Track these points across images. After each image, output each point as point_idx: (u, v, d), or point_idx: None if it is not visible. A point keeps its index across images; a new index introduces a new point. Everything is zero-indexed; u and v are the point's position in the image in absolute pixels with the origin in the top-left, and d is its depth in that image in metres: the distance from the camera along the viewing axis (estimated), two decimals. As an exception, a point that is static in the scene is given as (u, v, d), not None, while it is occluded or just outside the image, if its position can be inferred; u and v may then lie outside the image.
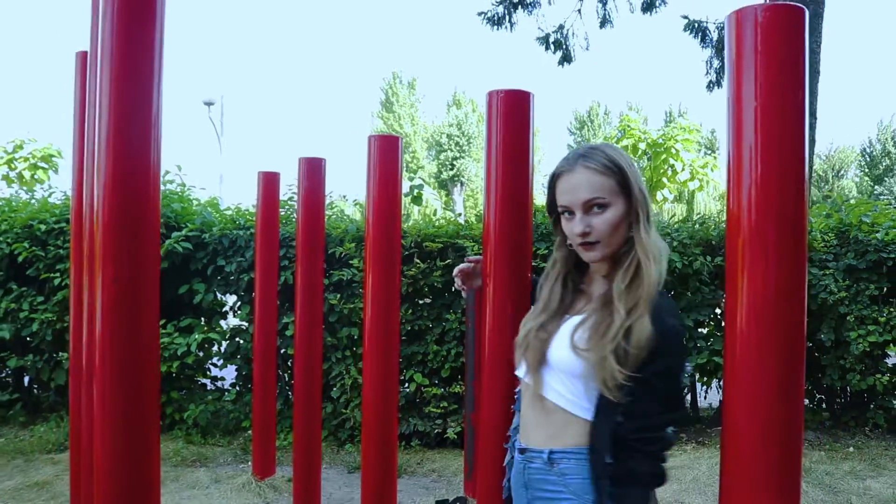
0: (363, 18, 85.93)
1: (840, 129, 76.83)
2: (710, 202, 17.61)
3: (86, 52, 3.50)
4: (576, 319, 1.68)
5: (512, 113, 2.04)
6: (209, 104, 15.34)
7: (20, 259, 6.13)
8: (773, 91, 1.45)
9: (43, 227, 6.18)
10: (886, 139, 43.67)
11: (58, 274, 6.13)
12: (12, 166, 14.38)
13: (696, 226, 6.47)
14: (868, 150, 44.83)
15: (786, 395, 1.50)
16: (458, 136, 46.67)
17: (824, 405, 6.92)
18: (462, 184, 43.11)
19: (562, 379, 1.65)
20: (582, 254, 1.71)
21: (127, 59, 1.84)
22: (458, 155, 45.78)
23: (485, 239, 2.07)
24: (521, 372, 1.77)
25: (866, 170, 44.73)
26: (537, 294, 1.83)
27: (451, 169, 44.87)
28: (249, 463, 5.48)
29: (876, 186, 42.05)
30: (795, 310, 1.49)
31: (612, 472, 1.54)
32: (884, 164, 43.09)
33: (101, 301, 1.84)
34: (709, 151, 40.81)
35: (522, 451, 1.73)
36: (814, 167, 46.06)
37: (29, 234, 6.23)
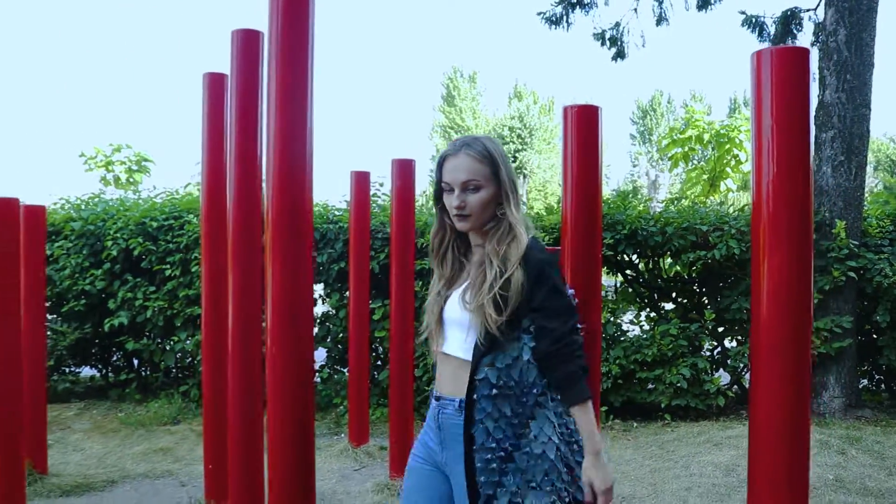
0: (422, 14, 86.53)
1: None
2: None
3: (213, 74, 4.12)
4: (465, 284, 2.00)
5: (583, 127, 2.54)
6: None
7: (135, 253, 6.86)
8: (783, 112, 1.92)
9: (154, 224, 6.90)
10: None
11: (168, 266, 6.84)
12: (109, 169, 15.46)
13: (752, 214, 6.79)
14: (945, 134, 43.19)
15: (795, 365, 1.97)
16: (520, 129, 46.86)
17: (883, 385, 7.18)
18: (525, 176, 43.28)
19: (455, 334, 1.98)
20: (456, 223, 2.00)
21: (287, 85, 2.37)
22: (520, 147, 45.94)
23: (563, 231, 2.57)
24: (425, 335, 2.10)
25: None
26: (433, 254, 2.12)
27: (514, 161, 45.09)
28: (342, 434, 6.08)
29: (953, 171, 40.54)
30: (804, 280, 1.96)
31: (555, 383, 1.88)
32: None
33: (272, 290, 2.36)
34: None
35: (437, 398, 2.03)
36: (886, 152, 44.80)
37: (142, 231, 6.96)
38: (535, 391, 1.87)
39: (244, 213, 3.31)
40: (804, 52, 1.95)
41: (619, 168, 73.58)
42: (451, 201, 1.99)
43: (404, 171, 4.62)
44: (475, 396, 1.88)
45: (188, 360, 7.44)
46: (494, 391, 1.86)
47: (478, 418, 1.87)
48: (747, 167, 12.75)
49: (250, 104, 3.30)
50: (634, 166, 54.50)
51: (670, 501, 4.33)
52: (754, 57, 1.99)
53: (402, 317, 4.77)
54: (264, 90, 2.63)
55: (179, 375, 7.48)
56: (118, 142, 16.22)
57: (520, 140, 46.35)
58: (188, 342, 6.89)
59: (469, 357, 1.93)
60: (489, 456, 1.85)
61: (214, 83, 4.12)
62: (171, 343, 7.03)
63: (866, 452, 4.97)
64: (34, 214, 4.78)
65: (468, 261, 2.07)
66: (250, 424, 3.41)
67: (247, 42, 3.31)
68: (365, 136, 73.61)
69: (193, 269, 6.72)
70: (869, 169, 43.56)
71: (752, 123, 2.00)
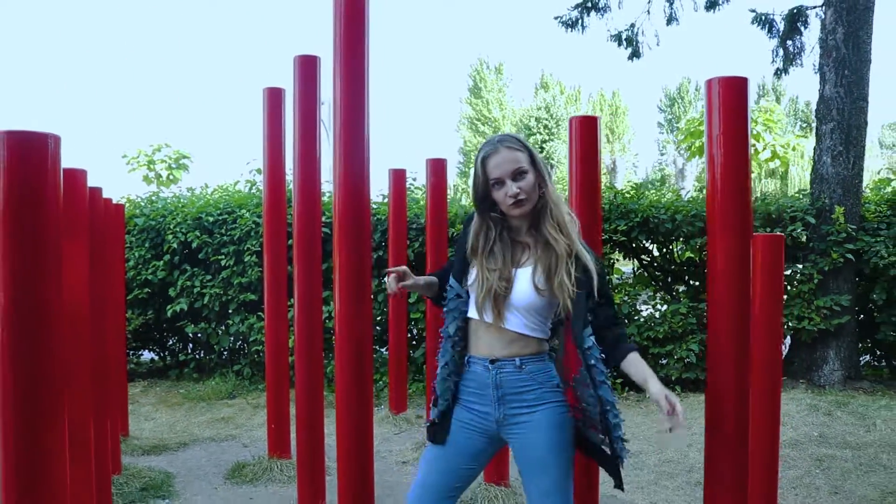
0: (448, 6, 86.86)
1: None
2: (805, 176, 17.92)
3: (272, 88, 4.79)
4: (528, 269, 2.24)
5: (585, 136, 3.14)
6: (321, 104, 16.72)
7: (193, 245, 7.58)
8: (729, 123, 2.51)
9: (210, 218, 7.62)
10: None
11: (223, 256, 7.55)
12: (151, 167, 16.31)
13: (759, 202, 7.33)
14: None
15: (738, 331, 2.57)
16: (546, 119, 47.13)
17: (884, 361, 7.69)
18: (553, 166, 43.60)
19: (523, 314, 2.23)
20: (513, 211, 2.23)
21: (349, 102, 3.00)
22: (547, 138, 46.19)
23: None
24: (478, 313, 2.27)
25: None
26: (476, 253, 2.30)
27: (541, 152, 45.40)
28: (382, 406, 6.75)
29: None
30: (744, 251, 2.56)
31: (611, 347, 2.29)
32: None
33: (339, 279, 2.98)
34: (805, 124, 39.82)
35: (493, 361, 2.23)
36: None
37: (198, 225, 7.68)
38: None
39: (307, 210, 3.97)
40: (744, 81, 2.55)
41: (646, 157, 73.41)
42: (505, 192, 2.22)
43: (437, 169, 5.27)
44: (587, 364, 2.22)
45: (239, 344, 8.14)
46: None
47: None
48: (764, 156, 13.16)
49: (310, 117, 3.95)
50: (662, 155, 54.57)
51: (672, 456, 4.94)
52: (706, 84, 2.59)
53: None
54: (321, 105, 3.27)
55: (232, 357, 8.20)
56: (157, 142, 17.07)
57: (546, 131, 46.61)
58: (241, 325, 7.59)
59: (535, 334, 2.25)
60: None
61: (273, 96, 4.79)
62: (226, 326, 7.74)
63: (851, 414, 5.54)
64: (117, 211, 5.49)
65: (521, 242, 2.31)
66: (313, 392, 4.07)
67: (306, 66, 3.96)
68: (393, 129, 74.34)
69: (246, 259, 7.42)
70: (869, 157, 43.31)
71: (706, 135, 2.60)
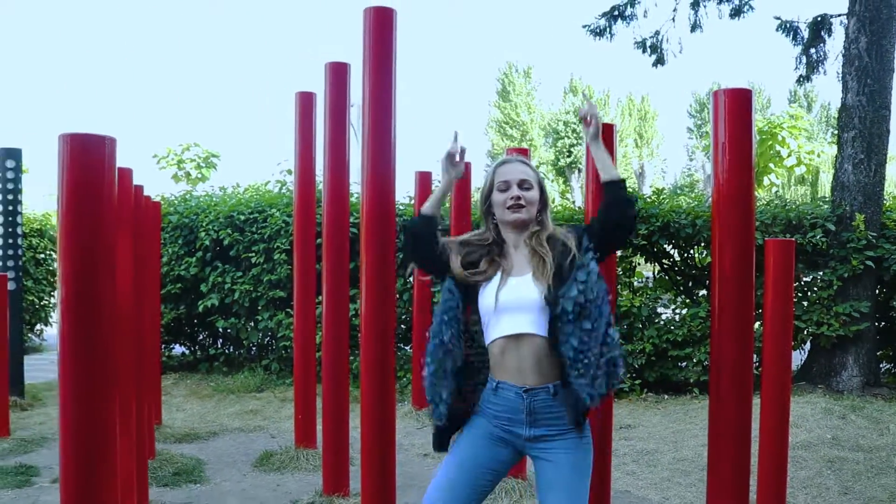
0: (477, 10, 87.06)
1: None
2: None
3: (304, 93, 5.00)
4: (528, 276, 2.31)
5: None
6: (350, 106, 17.00)
7: (225, 243, 7.83)
8: (734, 132, 2.66)
9: (242, 217, 7.86)
10: None
11: (253, 254, 7.78)
12: (181, 166, 16.67)
13: (779, 208, 7.41)
14: None
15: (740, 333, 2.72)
16: (574, 123, 47.04)
17: (904, 369, 7.73)
18: (580, 171, 43.49)
19: (526, 313, 2.27)
20: (510, 214, 2.36)
21: (379, 104, 3.18)
22: (575, 142, 46.12)
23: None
24: (500, 330, 2.29)
25: None
26: (477, 268, 2.36)
27: (569, 156, 45.35)
28: (405, 402, 6.93)
29: None
30: (747, 257, 2.70)
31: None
32: None
33: (365, 276, 3.17)
34: (836, 131, 39.44)
35: (527, 391, 2.25)
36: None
37: (230, 223, 7.93)
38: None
39: (336, 211, 4.16)
40: (748, 93, 2.70)
41: (675, 162, 72.95)
42: (507, 195, 2.37)
43: (425, 182, 5.46)
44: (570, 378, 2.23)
45: (267, 340, 8.37)
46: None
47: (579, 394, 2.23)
48: (790, 162, 13.16)
49: (340, 121, 4.15)
50: (691, 160, 54.22)
51: (686, 455, 5.06)
52: (713, 95, 2.74)
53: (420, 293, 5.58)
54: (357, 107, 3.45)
55: (261, 352, 8.43)
56: (186, 141, 17.45)
57: (575, 135, 46.52)
58: (270, 322, 7.81)
59: (540, 332, 2.25)
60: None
61: (305, 100, 5.00)
62: (255, 322, 7.98)
63: (865, 418, 5.62)
64: (155, 209, 5.73)
65: (514, 254, 2.39)
66: (339, 385, 4.25)
67: (337, 72, 4.15)
68: (421, 131, 74.66)
69: (276, 257, 7.65)
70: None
71: (712, 143, 2.75)
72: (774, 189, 14.34)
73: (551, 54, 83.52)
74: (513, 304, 2.28)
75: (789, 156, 12.92)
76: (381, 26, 3.19)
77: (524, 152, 4.62)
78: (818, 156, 13.38)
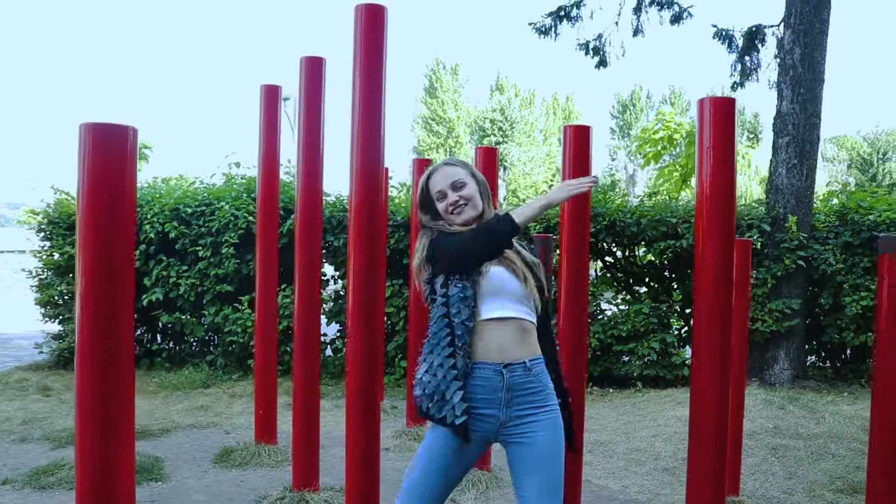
0: (405, 6, 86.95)
1: (888, 111, 75.92)
2: (752, 185, 18.62)
3: (269, 86, 4.97)
4: (501, 268, 2.43)
5: (577, 145, 3.42)
6: (286, 99, 16.82)
7: (171, 236, 7.67)
8: (718, 138, 2.81)
9: (188, 209, 7.72)
10: (936, 121, 42.93)
11: (200, 247, 7.65)
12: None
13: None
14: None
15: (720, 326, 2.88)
16: (501, 122, 47.49)
17: (828, 361, 8.18)
18: (505, 168, 43.97)
19: (511, 300, 2.39)
20: (456, 218, 2.46)
21: (369, 103, 3.22)
22: (501, 140, 46.57)
23: (561, 226, 3.45)
24: (496, 312, 2.39)
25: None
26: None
27: (495, 154, 45.54)
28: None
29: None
30: (727, 251, 2.86)
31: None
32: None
33: (353, 268, 3.19)
34: (751, 135, 40.99)
35: (507, 365, 2.33)
36: (859, 150, 46.13)
37: (176, 216, 7.77)
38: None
39: (309, 204, 4.16)
40: (731, 101, 2.86)
41: (598, 161, 74.43)
42: (447, 202, 2.48)
43: (423, 169, 5.50)
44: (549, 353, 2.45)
45: (210, 336, 8.24)
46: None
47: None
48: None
49: (315, 116, 4.15)
50: (613, 160, 55.48)
51: (640, 445, 5.26)
52: (698, 103, 2.89)
53: (416, 293, 5.64)
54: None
55: (204, 348, 8.30)
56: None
57: (501, 133, 46.95)
58: (216, 316, 7.70)
59: (527, 316, 2.41)
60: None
61: (270, 93, 4.97)
62: (201, 317, 7.85)
63: (802, 408, 5.96)
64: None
65: None
66: (310, 377, 4.25)
67: (312, 67, 4.16)
68: (347, 126, 74.01)
69: (223, 251, 7.54)
70: (843, 167, 44.93)
71: (697, 147, 2.90)
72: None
73: (479, 52, 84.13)
74: (496, 290, 2.39)
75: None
76: (372, 22, 3.23)
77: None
78: (743, 157, 13.98)
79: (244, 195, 7.80)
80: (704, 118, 2.86)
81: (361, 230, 3.17)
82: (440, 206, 2.49)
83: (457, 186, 2.47)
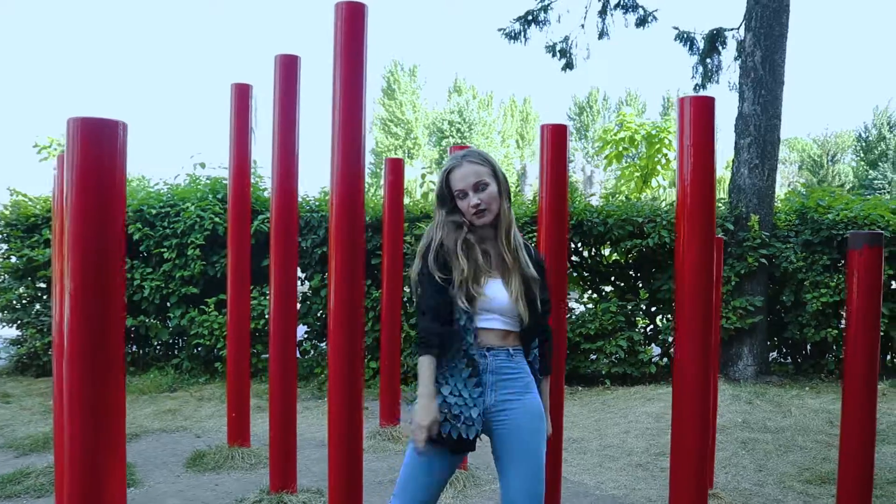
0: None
1: (837, 114, 78.00)
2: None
3: (239, 84, 4.91)
4: (499, 282, 2.44)
5: (554, 145, 3.44)
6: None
7: (135, 237, 7.53)
8: (698, 136, 2.86)
9: (153, 210, 7.58)
10: (882, 124, 44.05)
11: (165, 249, 7.52)
12: (66, 157, 15.85)
13: (682, 209, 7.86)
14: (864, 136, 45.35)
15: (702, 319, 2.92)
16: (459, 123, 47.64)
17: (789, 358, 8.36)
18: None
19: (502, 316, 2.44)
20: (476, 220, 2.42)
21: (350, 100, 3.20)
22: (459, 141, 46.70)
23: (539, 223, 3.48)
24: (485, 324, 2.44)
25: (862, 154, 45.40)
26: (455, 262, 2.39)
27: (453, 155, 45.67)
28: (326, 398, 6.90)
29: (870, 171, 42.64)
30: (709, 252, 2.91)
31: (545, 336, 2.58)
32: (879, 149, 43.54)
33: (335, 269, 3.17)
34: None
35: (490, 349, 2.41)
36: (810, 152, 47.30)
37: (140, 217, 7.63)
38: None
39: (285, 204, 4.12)
40: (711, 100, 2.92)
41: (556, 163, 74.94)
42: (468, 203, 2.42)
43: (395, 167, 5.49)
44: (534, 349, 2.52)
45: (175, 339, 8.10)
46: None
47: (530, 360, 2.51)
48: (675, 165, 13.85)
49: (290, 115, 4.11)
50: (570, 161, 55.99)
51: (612, 442, 5.32)
52: (679, 101, 2.94)
53: (392, 293, 5.63)
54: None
55: (168, 351, 8.16)
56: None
57: (459, 134, 47.08)
58: (182, 319, 7.58)
59: (511, 328, 2.45)
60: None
61: (240, 92, 4.91)
62: (166, 319, 7.72)
63: (769, 403, 6.09)
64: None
65: (490, 251, 2.48)
66: (287, 379, 4.21)
67: (286, 65, 4.12)
68: (306, 127, 73.55)
69: (189, 253, 7.43)
70: (794, 168, 45.96)
71: (677, 144, 2.94)
72: (661, 191, 15.18)
73: (436, 54, 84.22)
74: (489, 307, 2.42)
75: (675, 159, 13.60)
76: (352, 20, 3.21)
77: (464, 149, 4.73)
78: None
79: (210, 196, 7.69)
80: (685, 117, 2.90)
81: (343, 230, 3.16)
82: (461, 204, 2.44)
83: (479, 188, 2.41)
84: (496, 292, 2.43)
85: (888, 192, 36.50)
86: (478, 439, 2.41)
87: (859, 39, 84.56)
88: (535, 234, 3.62)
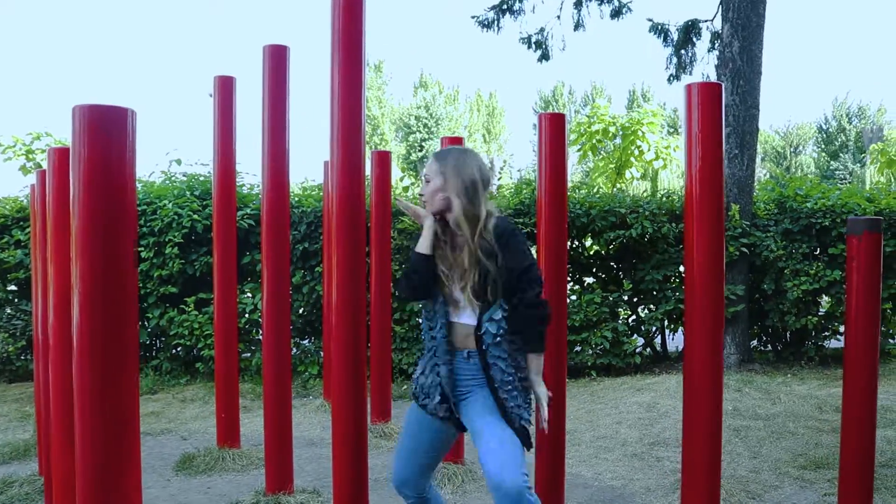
0: (323, 3, 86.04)
1: (798, 106, 79.29)
2: (674, 179, 19.10)
3: (223, 77, 4.80)
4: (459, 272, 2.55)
5: (553, 134, 3.40)
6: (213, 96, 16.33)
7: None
8: (706, 123, 2.84)
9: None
10: (842, 116, 44.99)
11: (142, 248, 7.34)
12: (30, 157, 15.35)
13: (664, 199, 7.90)
14: (825, 127, 46.23)
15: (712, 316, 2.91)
16: (426, 118, 47.54)
17: (769, 346, 8.44)
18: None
19: (461, 309, 2.57)
20: (427, 208, 2.60)
21: (349, 97, 3.13)
22: (426, 136, 46.62)
23: (539, 217, 3.44)
24: (452, 317, 2.60)
25: (823, 146, 46.26)
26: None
27: (420, 150, 45.77)
28: (310, 396, 6.82)
29: (832, 162, 43.45)
30: (719, 240, 2.89)
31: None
32: (839, 140, 44.43)
33: (337, 263, 3.11)
34: (672, 130, 42.12)
35: (455, 351, 2.59)
36: (773, 144, 48.02)
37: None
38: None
39: (275, 200, 4.03)
40: (718, 87, 2.90)
41: (522, 157, 75.38)
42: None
43: (382, 161, 5.42)
44: (484, 347, 2.53)
45: (153, 340, 7.94)
46: (498, 339, 2.53)
47: (490, 362, 2.53)
48: (649, 156, 13.95)
49: (279, 107, 4.01)
50: (536, 154, 56.23)
51: (605, 433, 5.31)
52: (686, 88, 2.91)
53: (381, 289, 5.55)
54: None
55: (147, 352, 7.99)
56: (36, 129, 16.09)
57: (426, 129, 47.00)
58: (161, 320, 7.42)
59: (472, 322, 2.55)
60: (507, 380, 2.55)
61: (224, 85, 4.80)
62: (145, 320, 7.55)
63: (757, 390, 6.13)
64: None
65: (459, 244, 2.58)
66: (280, 381, 4.12)
67: (276, 56, 4.02)
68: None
69: (167, 251, 7.27)
70: (757, 160, 46.67)
71: (685, 133, 2.92)
72: (634, 182, 15.27)
73: (401, 49, 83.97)
74: (451, 299, 2.61)
75: (649, 150, 13.74)
76: (350, 10, 3.15)
77: (458, 140, 4.67)
78: (675, 150, 14.36)
79: (187, 193, 7.54)
80: (692, 104, 2.88)
81: (345, 222, 3.09)
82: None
83: (426, 181, 2.61)
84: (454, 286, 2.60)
85: (849, 183, 37.20)
86: (454, 415, 2.62)
87: (818, 31, 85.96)
88: (524, 224, 3.65)
